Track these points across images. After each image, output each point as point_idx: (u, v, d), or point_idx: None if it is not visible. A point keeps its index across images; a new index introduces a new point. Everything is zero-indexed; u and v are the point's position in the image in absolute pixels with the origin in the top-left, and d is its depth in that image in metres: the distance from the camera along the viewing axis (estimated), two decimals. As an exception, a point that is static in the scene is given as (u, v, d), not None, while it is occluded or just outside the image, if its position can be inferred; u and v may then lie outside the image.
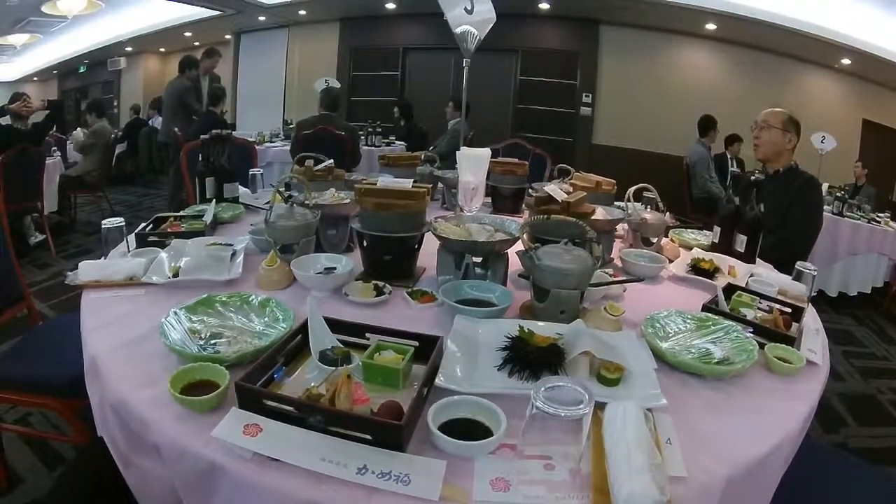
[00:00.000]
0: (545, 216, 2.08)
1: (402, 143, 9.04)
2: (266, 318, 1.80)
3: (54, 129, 8.07)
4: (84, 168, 8.26)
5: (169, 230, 2.71)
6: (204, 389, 1.37)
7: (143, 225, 2.76)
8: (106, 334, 1.72)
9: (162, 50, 17.45)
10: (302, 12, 13.11)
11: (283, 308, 1.82)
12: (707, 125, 8.34)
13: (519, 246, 1.99)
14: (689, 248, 2.91)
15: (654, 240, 2.79)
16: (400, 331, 1.62)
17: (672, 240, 2.97)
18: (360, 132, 7.84)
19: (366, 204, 2.15)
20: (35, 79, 18.33)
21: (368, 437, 1.22)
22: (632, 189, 2.80)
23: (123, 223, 2.47)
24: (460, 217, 2.35)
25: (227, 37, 15.13)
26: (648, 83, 11.08)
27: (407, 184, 2.25)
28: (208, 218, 2.83)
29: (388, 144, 8.89)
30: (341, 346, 1.57)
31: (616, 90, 11.37)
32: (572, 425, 1.19)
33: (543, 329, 1.67)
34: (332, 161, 2.92)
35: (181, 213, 3.00)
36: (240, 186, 3.45)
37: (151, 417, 1.33)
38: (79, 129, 9.03)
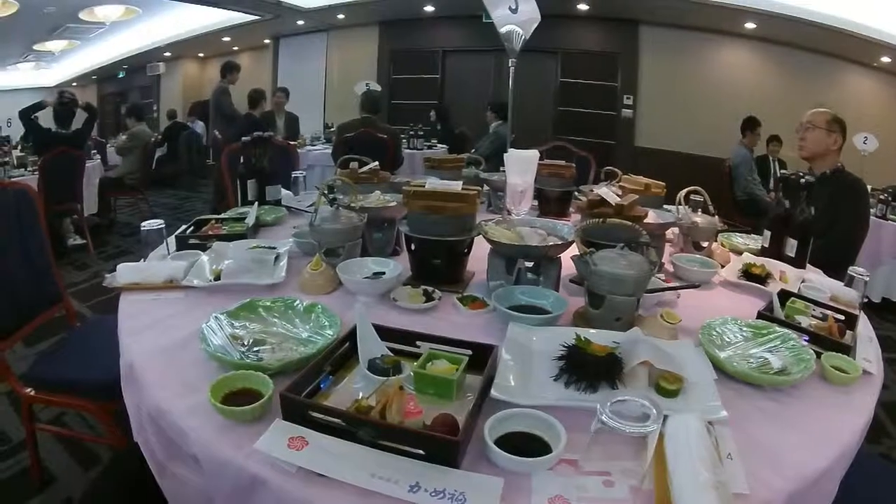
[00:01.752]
0: (601, 220, 2.01)
1: (444, 145, 9.04)
2: (311, 325, 1.74)
3: (94, 131, 8.11)
4: (123, 170, 8.35)
5: (210, 233, 2.68)
6: (245, 398, 1.32)
7: (183, 227, 2.74)
8: (144, 339, 1.69)
9: (201, 55, 17.63)
10: (340, 16, 13.16)
11: (329, 314, 1.76)
12: (749, 126, 8.19)
13: (571, 250, 1.92)
14: (739, 252, 2.83)
15: (705, 244, 2.71)
16: (453, 339, 1.56)
17: (722, 244, 2.88)
18: (402, 135, 7.80)
19: (414, 207, 2.10)
20: (74, 84, 18.49)
21: (421, 452, 1.16)
22: (683, 192, 2.73)
23: (163, 225, 2.43)
24: (511, 220, 2.29)
25: (266, 41, 15.32)
26: (689, 84, 10.99)
27: (457, 186, 2.18)
28: (250, 220, 2.78)
29: (429, 147, 8.89)
30: (391, 354, 1.52)
31: (657, 91, 11.30)
32: (632, 439, 1.13)
33: (599, 337, 1.60)
34: (377, 163, 2.88)
35: (222, 215, 2.97)
36: (282, 189, 3.42)
37: (190, 427, 1.29)
38: (121, 133, 9.12)
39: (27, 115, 6.74)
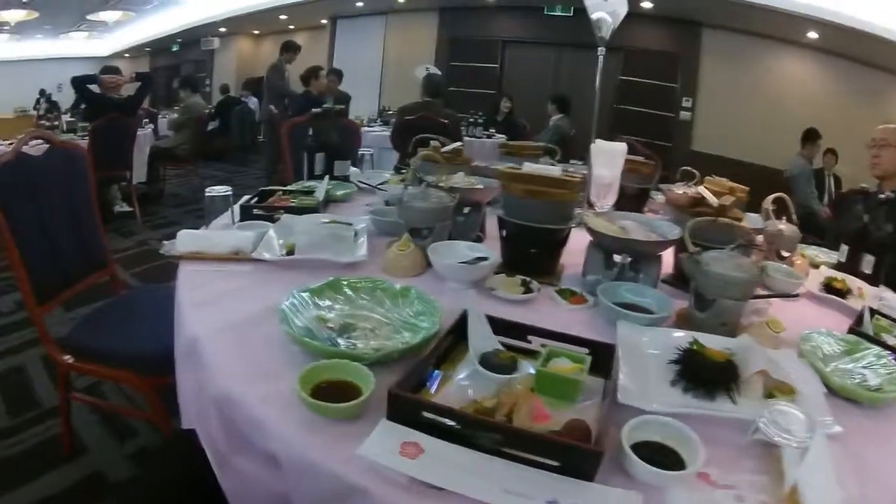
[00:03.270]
0: (713, 219, 1.89)
1: (502, 135, 8.79)
2: (407, 310, 1.60)
3: (147, 100, 8.13)
4: (175, 141, 8.38)
5: (277, 204, 2.58)
6: (336, 391, 1.19)
7: (247, 197, 2.65)
8: (208, 314, 1.57)
9: (256, 32, 17.73)
10: (400, 0, 13.08)
11: (425, 299, 1.62)
12: (809, 137, 8.01)
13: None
14: (816, 266, 2.74)
15: (787, 254, 2.60)
16: (570, 335, 1.44)
17: (802, 255, 2.77)
18: (461, 122, 7.64)
19: (513, 190, 1.98)
20: (126, 55, 18.74)
21: (556, 463, 1.03)
22: (769, 198, 2.61)
23: (230, 192, 2.34)
24: (611, 214, 2.17)
25: (324, 21, 15.30)
26: (748, 90, 10.80)
27: (555, 171, 2.06)
28: (320, 194, 2.69)
29: (488, 136, 8.69)
30: (503, 349, 1.39)
31: (716, 95, 11.10)
32: (759, 452, 1.12)
33: (709, 342, 1.48)
34: (460, 143, 2.77)
35: (289, 187, 2.88)
36: (350, 165, 3.35)
37: (269, 420, 1.16)
38: (174, 108, 9.21)
39: (80, 83, 6.75)
